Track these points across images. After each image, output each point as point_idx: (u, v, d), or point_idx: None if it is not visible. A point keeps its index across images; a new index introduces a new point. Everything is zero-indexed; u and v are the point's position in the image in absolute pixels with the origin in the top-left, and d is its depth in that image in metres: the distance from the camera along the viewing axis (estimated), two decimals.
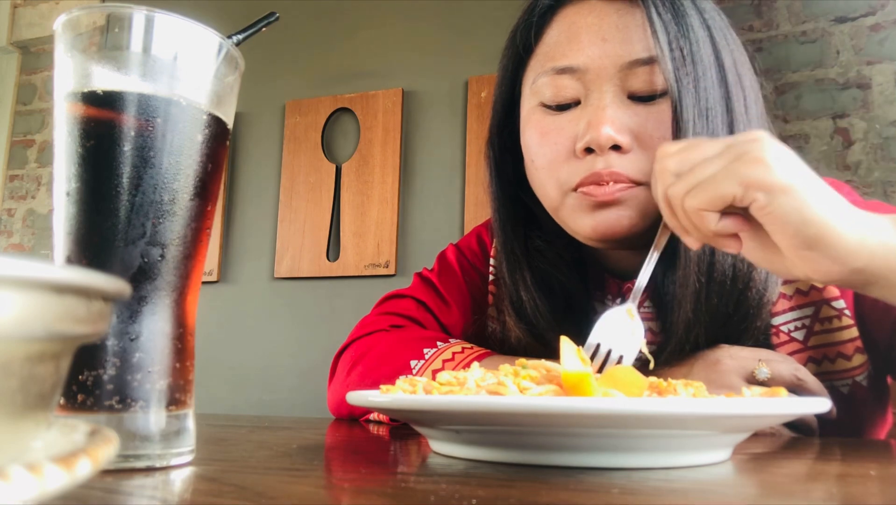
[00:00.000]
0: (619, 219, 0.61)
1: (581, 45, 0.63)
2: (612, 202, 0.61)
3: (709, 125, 0.60)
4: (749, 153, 0.44)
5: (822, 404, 0.36)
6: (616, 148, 0.60)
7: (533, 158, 0.67)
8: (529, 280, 0.69)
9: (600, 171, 0.60)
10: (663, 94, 0.61)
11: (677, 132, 0.59)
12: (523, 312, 0.69)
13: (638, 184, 0.60)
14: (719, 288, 0.60)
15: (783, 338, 0.65)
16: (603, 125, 0.59)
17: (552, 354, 0.42)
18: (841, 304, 0.63)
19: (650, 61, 0.60)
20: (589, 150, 0.61)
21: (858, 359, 0.64)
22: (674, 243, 0.59)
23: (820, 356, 0.63)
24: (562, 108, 0.64)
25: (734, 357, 0.58)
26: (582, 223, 0.63)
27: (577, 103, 0.64)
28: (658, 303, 0.68)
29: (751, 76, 0.65)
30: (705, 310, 0.60)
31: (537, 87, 0.66)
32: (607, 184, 0.60)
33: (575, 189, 0.63)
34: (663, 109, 0.61)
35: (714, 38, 0.63)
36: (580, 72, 0.62)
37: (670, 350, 0.62)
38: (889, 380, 0.69)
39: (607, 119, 0.60)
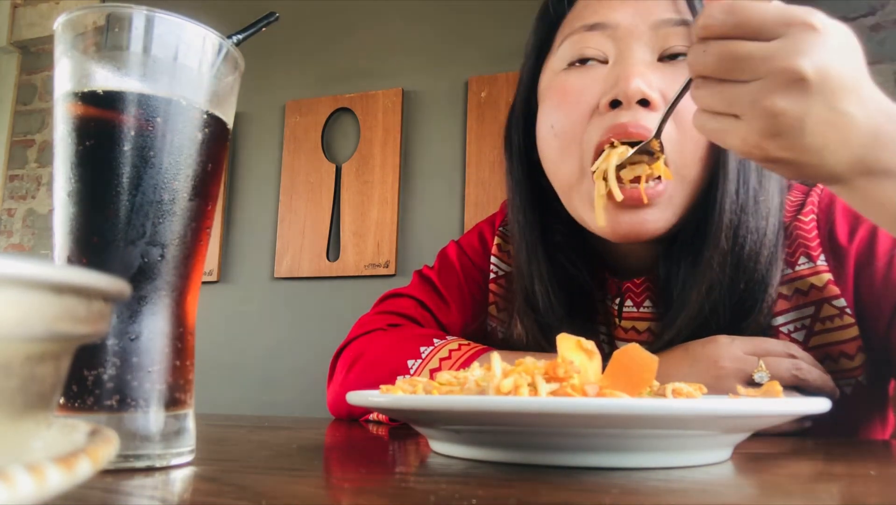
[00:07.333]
0: (643, 223, 0.59)
1: (613, 3, 0.63)
2: (637, 202, 0.58)
3: None
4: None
5: (821, 404, 0.36)
6: (644, 104, 0.59)
7: (553, 123, 0.64)
8: (546, 273, 0.68)
9: (626, 123, 0.58)
10: None
11: None
12: (535, 306, 0.68)
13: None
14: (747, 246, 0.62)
15: (783, 339, 0.65)
16: (634, 77, 0.58)
17: (555, 350, 0.42)
18: (842, 302, 0.63)
19: (682, 23, 0.61)
20: (614, 106, 0.60)
21: (861, 358, 0.63)
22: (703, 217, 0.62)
23: (822, 356, 0.63)
24: (585, 62, 0.63)
25: (733, 358, 0.58)
26: (598, 220, 0.59)
27: (603, 64, 0.63)
28: (659, 299, 0.68)
29: None
30: (730, 249, 0.61)
31: (564, 48, 0.65)
32: (632, 137, 0.58)
33: (597, 150, 0.60)
34: None
35: None
36: (611, 28, 0.62)
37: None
38: (893, 384, 0.69)
39: (638, 73, 0.59)
